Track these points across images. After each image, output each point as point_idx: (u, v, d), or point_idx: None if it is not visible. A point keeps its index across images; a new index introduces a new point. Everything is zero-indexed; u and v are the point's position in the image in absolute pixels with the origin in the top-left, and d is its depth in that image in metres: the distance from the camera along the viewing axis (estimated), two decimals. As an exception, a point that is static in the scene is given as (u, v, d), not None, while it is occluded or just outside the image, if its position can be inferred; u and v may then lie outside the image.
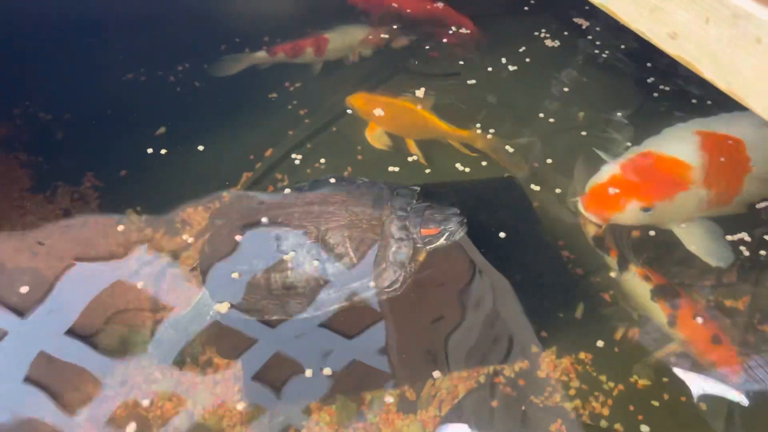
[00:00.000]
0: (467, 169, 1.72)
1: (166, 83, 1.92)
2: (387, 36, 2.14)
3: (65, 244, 1.45)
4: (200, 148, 1.71)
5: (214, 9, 2.25)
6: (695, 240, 1.49)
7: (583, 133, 1.85)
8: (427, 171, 1.72)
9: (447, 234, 1.35)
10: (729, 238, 1.54)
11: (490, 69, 2.05)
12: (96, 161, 1.65)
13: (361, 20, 2.19)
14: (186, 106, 1.87)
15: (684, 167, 1.52)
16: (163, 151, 1.69)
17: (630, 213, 1.47)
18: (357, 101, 1.85)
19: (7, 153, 1.66)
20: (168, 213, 1.53)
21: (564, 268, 1.50)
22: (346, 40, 2.10)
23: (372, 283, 1.30)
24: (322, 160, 1.71)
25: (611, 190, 1.49)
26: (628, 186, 1.48)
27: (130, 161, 1.66)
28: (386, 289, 1.31)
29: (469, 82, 2.00)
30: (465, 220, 1.36)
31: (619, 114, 1.90)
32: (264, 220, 1.37)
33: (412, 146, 1.76)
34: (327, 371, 1.28)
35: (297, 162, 1.71)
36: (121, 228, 1.49)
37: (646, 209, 1.47)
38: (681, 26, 1.36)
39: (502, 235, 1.53)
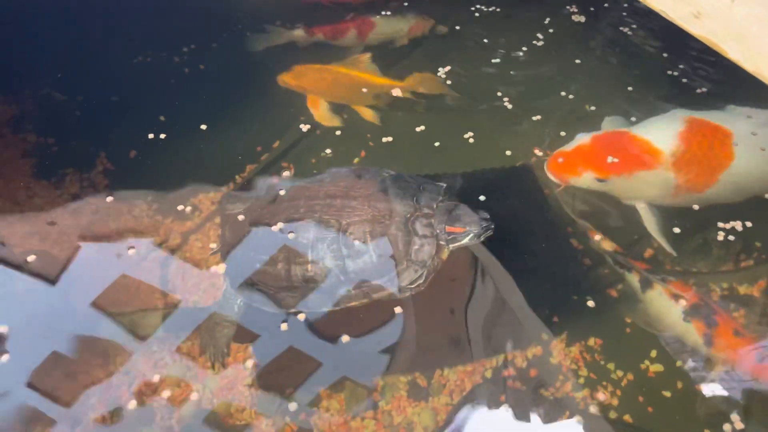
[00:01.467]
0: (471, 139, 1.71)
1: (174, 66, 1.90)
2: (431, 23, 2.11)
3: (75, 228, 1.45)
4: (207, 132, 1.70)
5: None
6: (654, 221, 1.53)
7: (593, 107, 1.82)
8: (437, 144, 1.70)
9: (471, 235, 1.31)
10: (721, 224, 1.53)
11: (519, 46, 2.03)
12: (105, 146, 1.64)
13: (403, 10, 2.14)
14: (195, 90, 1.84)
15: (652, 149, 1.53)
16: (169, 137, 1.67)
17: (585, 180, 1.54)
18: (289, 77, 1.81)
19: (15, 134, 1.65)
20: (177, 198, 1.53)
21: (574, 256, 1.48)
22: (392, 27, 2.06)
23: (392, 281, 1.28)
24: (328, 150, 1.69)
25: (573, 157, 1.57)
26: (588, 156, 1.55)
27: (140, 146, 1.65)
28: (408, 287, 1.29)
29: (493, 60, 1.97)
30: (492, 225, 1.32)
31: (630, 90, 1.87)
32: (285, 209, 1.34)
33: (366, 113, 1.74)
34: (336, 358, 1.29)
35: (304, 150, 1.69)
36: (131, 212, 1.49)
37: (600, 179, 1.53)
38: (706, 5, 1.30)
39: (509, 220, 1.51)
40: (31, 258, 1.38)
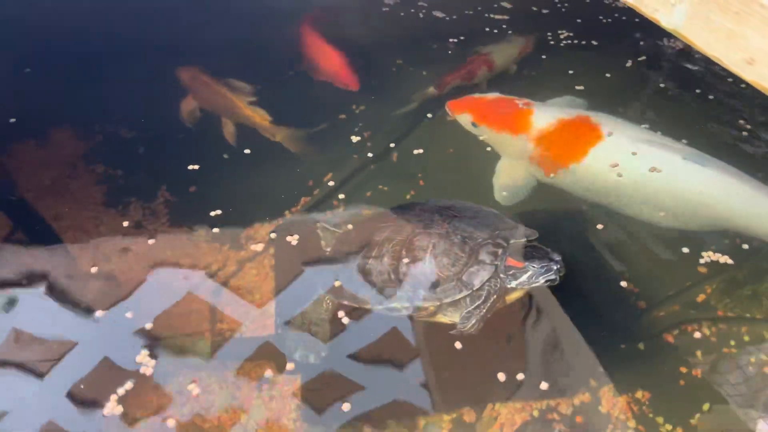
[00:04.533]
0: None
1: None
2: (534, 41, 2.27)
3: (137, 255, 1.52)
4: (264, 166, 1.77)
5: (287, 35, 2.33)
6: (501, 175, 1.76)
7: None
8: (493, 159, 1.77)
9: (530, 272, 1.26)
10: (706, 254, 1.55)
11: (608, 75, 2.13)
12: (167, 178, 1.73)
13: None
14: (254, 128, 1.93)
15: (527, 119, 1.78)
16: (228, 170, 1.76)
17: (464, 119, 1.88)
18: (183, 75, 2.03)
19: (87, 166, 1.76)
20: (234, 228, 1.58)
21: (626, 301, 1.45)
22: (506, 55, 2.19)
23: (436, 295, 1.28)
24: (382, 185, 1.74)
25: (468, 101, 1.92)
26: (477, 104, 1.89)
27: (199, 179, 1.73)
28: (453, 306, 1.29)
29: (577, 87, 2.06)
30: (555, 268, 1.26)
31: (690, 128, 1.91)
32: (384, 219, 1.44)
33: (229, 129, 1.86)
34: (380, 393, 1.28)
35: (357, 186, 1.74)
36: (190, 241, 1.56)
37: (474, 123, 1.86)
38: (758, 51, 1.30)
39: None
40: (92, 281, 1.44)
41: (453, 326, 1.31)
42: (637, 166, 1.62)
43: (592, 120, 1.74)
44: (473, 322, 1.27)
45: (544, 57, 2.22)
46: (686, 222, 1.60)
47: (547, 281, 1.27)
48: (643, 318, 1.42)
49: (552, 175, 1.70)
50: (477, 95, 1.92)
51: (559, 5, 2.51)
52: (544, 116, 1.77)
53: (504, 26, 2.37)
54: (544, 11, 2.45)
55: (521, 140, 1.76)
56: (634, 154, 1.64)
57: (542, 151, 1.72)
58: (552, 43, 2.29)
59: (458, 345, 1.35)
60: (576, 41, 2.29)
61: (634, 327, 1.41)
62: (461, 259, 1.28)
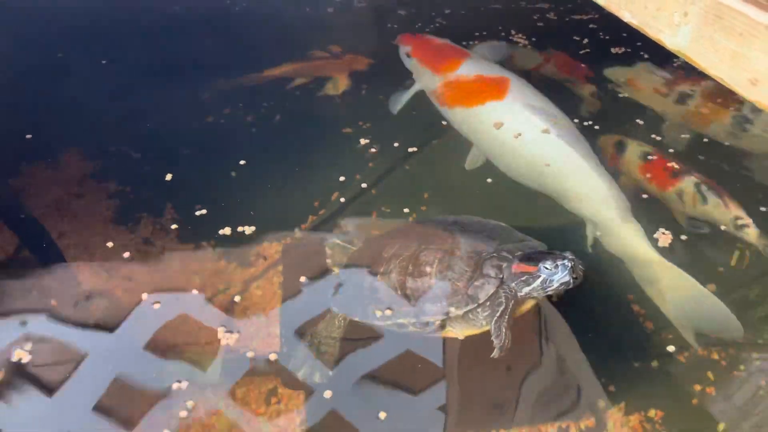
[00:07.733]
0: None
1: (245, 122, 2.04)
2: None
3: (143, 271, 1.53)
4: (270, 185, 1.79)
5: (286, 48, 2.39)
6: (410, 93, 2.12)
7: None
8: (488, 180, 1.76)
9: (543, 276, 1.19)
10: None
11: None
12: (174, 196, 1.74)
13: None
14: (264, 143, 1.97)
15: (452, 67, 2.08)
16: (235, 188, 1.77)
17: (403, 50, 2.28)
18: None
19: (98, 183, 1.78)
20: (241, 246, 1.59)
21: (634, 322, 1.44)
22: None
23: (442, 308, 1.27)
24: (389, 203, 1.74)
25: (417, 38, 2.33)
26: (420, 43, 2.27)
27: (206, 197, 1.74)
28: (452, 313, 1.27)
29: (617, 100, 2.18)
30: (572, 267, 1.18)
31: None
32: (394, 235, 1.47)
33: (342, 83, 2.20)
34: (385, 412, 1.27)
35: (364, 202, 1.75)
36: (196, 258, 1.56)
37: (408, 55, 2.25)
38: (762, 72, 1.31)
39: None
40: (98, 299, 1.45)
41: (458, 341, 1.31)
42: (528, 135, 1.79)
43: (506, 82, 1.96)
44: (504, 332, 1.24)
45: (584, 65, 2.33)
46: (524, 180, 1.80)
47: (562, 284, 1.20)
48: (651, 339, 1.41)
49: (445, 108, 2.01)
50: (429, 37, 2.30)
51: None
52: (468, 68, 2.05)
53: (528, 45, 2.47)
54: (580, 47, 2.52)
55: (436, 77, 2.08)
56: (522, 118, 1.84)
57: (446, 92, 2.01)
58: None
59: (465, 367, 1.34)
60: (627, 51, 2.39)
61: (643, 348, 1.39)
62: (466, 273, 1.28)
